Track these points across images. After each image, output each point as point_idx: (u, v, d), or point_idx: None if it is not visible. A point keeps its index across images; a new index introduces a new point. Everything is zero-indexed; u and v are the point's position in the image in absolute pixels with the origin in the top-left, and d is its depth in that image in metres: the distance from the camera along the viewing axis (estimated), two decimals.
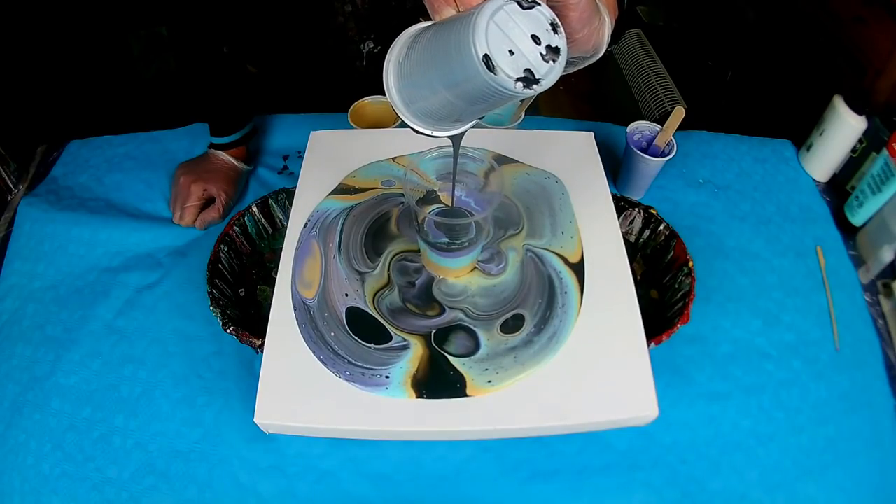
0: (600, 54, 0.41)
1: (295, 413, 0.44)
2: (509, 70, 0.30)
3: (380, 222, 0.57)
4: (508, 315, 0.50)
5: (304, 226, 0.55)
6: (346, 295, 0.51)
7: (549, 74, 0.32)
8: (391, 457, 0.54)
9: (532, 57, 0.31)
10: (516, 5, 0.31)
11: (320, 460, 0.54)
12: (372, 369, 0.46)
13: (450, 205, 0.51)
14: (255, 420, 0.44)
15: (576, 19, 0.36)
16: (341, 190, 0.59)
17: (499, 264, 0.53)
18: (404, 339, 0.48)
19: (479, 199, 0.52)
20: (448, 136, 0.40)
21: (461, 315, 0.50)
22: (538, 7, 0.31)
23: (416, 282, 0.52)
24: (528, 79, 0.31)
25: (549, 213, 0.57)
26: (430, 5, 0.35)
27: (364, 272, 0.53)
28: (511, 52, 0.31)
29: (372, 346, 0.48)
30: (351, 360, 0.47)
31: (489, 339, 0.48)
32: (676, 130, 0.69)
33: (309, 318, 0.49)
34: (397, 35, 0.37)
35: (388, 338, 0.48)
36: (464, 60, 0.30)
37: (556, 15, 0.32)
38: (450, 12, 0.34)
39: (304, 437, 0.54)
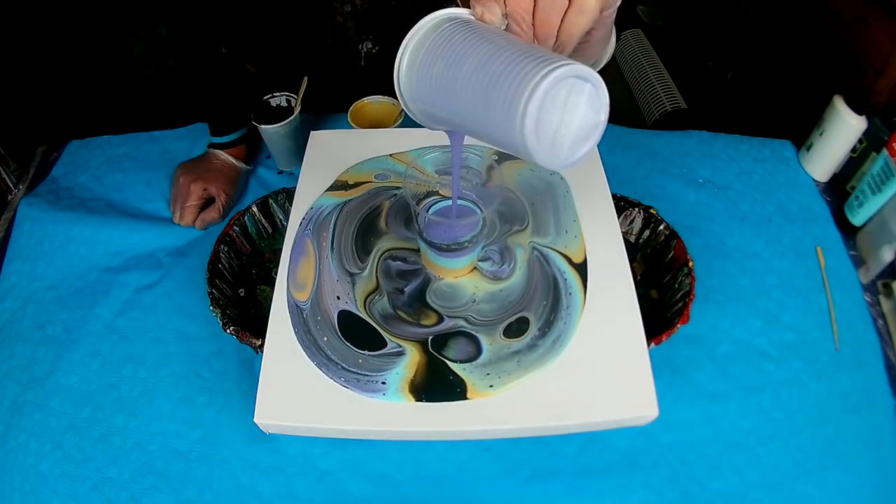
0: (598, 68, 0.42)
1: (295, 413, 0.44)
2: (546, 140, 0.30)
3: (370, 218, 0.56)
4: (512, 319, 0.49)
5: (300, 224, 0.55)
6: (338, 298, 0.50)
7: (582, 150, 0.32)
8: (391, 457, 0.54)
9: (573, 130, 0.31)
10: (578, 80, 0.30)
11: (320, 460, 0.54)
12: (367, 375, 0.45)
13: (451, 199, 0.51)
14: (255, 420, 0.44)
15: (596, 39, 0.38)
16: (336, 186, 0.58)
17: (510, 264, 0.53)
18: (399, 346, 0.47)
19: (480, 195, 0.52)
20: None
21: (462, 322, 0.49)
22: (597, 82, 0.31)
23: (406, 289, 0.51)
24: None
25: (553, 210, 0.57)
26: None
27: (354, 273, 0.52)
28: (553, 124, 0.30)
29: (366, 352, 0.47)
30: (345, 366, 0.46)
31: (491, 343, 0.47)
32: (677, 130, 0.69)
33: (302, 322, 0.48)
34: (397, 35, 0.37)
35: (383, 344, 0.47)
36: (506, 114, 0.30)
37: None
38: (496, 10, 0.33)
39: (304, 437, 0.54)
